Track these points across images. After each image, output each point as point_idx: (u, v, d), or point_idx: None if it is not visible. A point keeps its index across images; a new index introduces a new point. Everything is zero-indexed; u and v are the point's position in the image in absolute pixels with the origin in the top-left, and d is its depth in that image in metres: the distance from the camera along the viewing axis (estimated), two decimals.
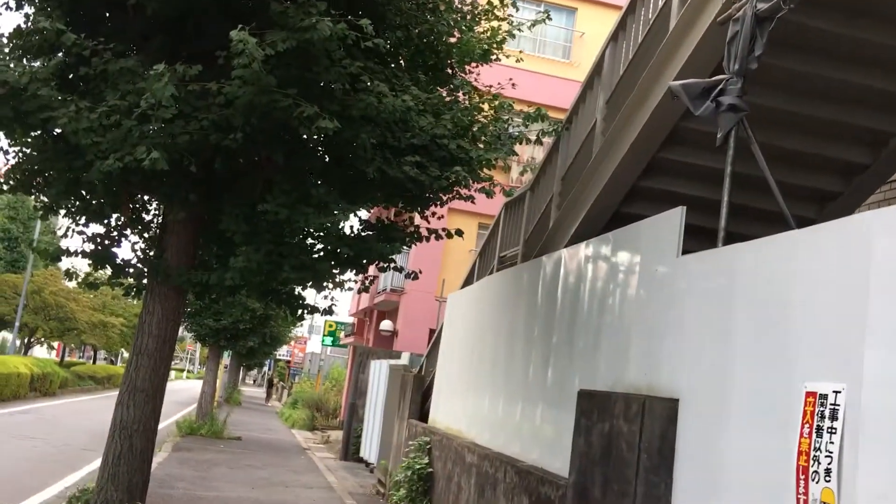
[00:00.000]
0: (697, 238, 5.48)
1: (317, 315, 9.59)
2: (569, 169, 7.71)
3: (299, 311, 7.88)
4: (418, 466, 9.73)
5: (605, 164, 6.79)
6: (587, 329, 6.32)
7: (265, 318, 23.58)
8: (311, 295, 11.97)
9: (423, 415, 11.80)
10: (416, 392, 11.95)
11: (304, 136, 6.77)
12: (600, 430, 5.31)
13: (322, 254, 7.76)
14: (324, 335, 32.97)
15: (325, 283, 7.55)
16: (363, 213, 8.56)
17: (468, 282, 11.07)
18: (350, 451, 18.46)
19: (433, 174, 7.21)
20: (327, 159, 7.33)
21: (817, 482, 3.58)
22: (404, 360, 14.53)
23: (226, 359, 34.23)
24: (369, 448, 16.55)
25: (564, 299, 6.87)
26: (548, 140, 8.12)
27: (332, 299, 8.09)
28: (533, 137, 7.88)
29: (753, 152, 5.06)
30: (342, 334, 31.82)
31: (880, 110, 5.94)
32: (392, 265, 7.82)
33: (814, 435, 3.64)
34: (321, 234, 7.53)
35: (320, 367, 39.78)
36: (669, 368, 4.98)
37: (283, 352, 58.37)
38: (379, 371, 16.58)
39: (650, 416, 4.81)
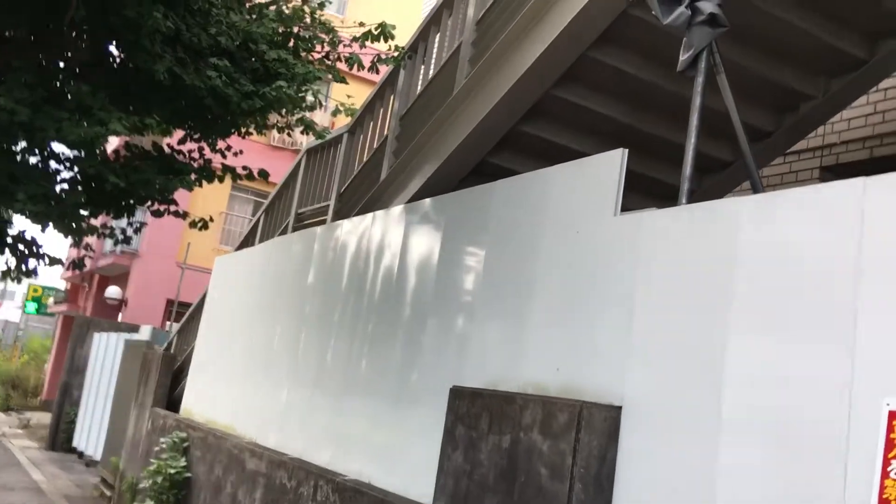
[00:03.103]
0: None
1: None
2: (412, 107, 6.18)
3: (30, 264, 5.54)
4: (172, 470, 7.69)
5: (474, 101, 5.34)
6: (452, 307, 4.86)
7: None
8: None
9: (171, 403, 9.67)
10: (165, 375, 9.76)
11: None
12: (496, 444, 3.88)
13: (69, 185, 5.56)
14: (26, 300, 28.27)
15: (74, 226, 5.36)
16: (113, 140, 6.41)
17: (247, 243, 9.12)
18: (60, 439, 15.45)
19: (245, 89, 5.37)
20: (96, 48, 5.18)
21: None
22: (145, 334, 12.12)
23: None
24: (86, 437, 13.83)
25: (411, 267, 5.35)
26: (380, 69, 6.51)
27: (86, 248, 5.87)
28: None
29: (720, 87, 3.90)
30: (50, 300, 27.51)
31: (805, 65, 5.10)
32: (174, 208, 5.82)
33: None
34: (74, 154, 5.36)
35: (18, 336, 34.52)
36: (602, 363, 3.68)
37: None
38: (106, 346, 13.89)
39: (589, 430, 3.47)
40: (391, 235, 5.66)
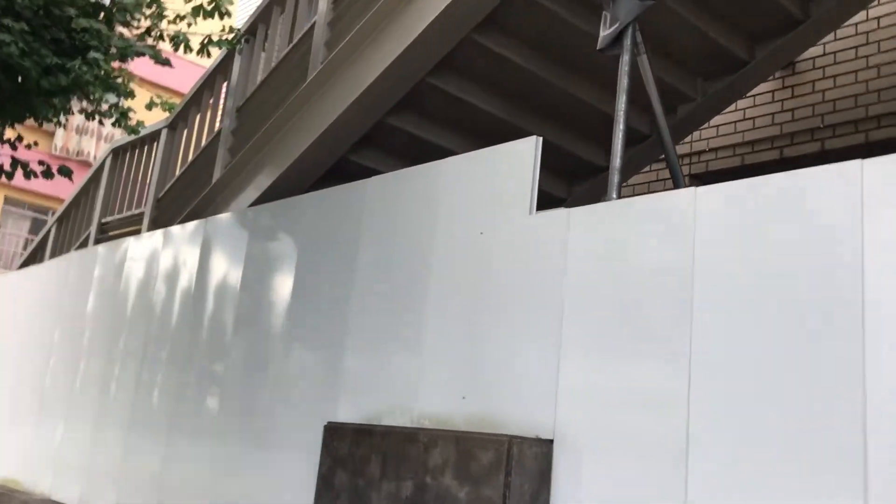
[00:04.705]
0: None
1: None
2: (252, 97, 5.34)
3: None
4: None
5: (333, 90, 4.62)
6: (318, 329, 4.08)
7: None
8: None
9: None
10: None
11: None
12: (392, 493, 3.17)
13: None
14: None
15: None
16: None
17: (34, 259, 7.72)
18: None
19: (47, 62, 4.35)
20: None
21: None
22: None
23: None
24: None
25: (261, 282, 4.50)
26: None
27: None
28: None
29: (641, 70, 3.48)
30: None
31: (685, 64, 4.86)
32: None
33: None
34: None
35: None
36: (524, 388, 3.09)
37: None
38: None
39: (520, 472, 2.85)
40: (232, 245, 4.77)
